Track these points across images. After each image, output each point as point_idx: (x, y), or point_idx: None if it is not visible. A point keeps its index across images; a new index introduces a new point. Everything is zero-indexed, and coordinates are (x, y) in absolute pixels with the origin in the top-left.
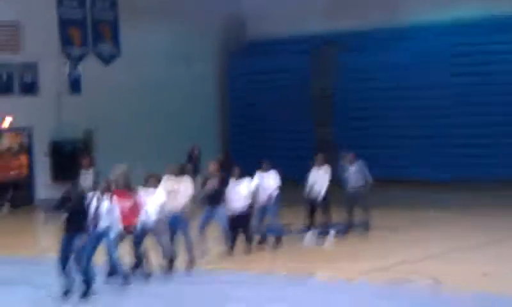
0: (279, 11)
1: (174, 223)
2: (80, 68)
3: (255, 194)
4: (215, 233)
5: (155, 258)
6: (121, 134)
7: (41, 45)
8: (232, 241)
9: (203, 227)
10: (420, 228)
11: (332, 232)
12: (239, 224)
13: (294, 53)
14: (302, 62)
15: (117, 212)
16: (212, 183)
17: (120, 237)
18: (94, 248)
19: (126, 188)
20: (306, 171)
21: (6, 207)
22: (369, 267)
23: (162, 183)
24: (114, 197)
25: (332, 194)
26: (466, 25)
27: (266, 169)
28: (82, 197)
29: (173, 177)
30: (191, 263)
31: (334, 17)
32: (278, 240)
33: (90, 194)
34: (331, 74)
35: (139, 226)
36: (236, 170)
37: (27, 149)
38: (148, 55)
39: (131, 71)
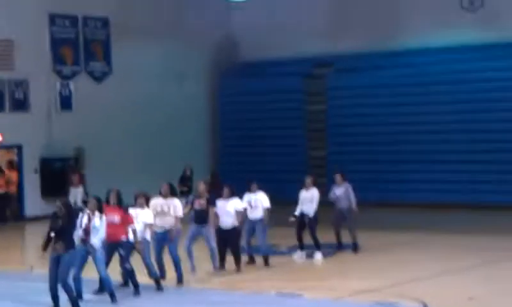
0: (272, 32)
1: (162, 242)
2: (72, 85)
3: (243, 215)
4: (203, 252)
5: (143, 276)
6: (112, 152)
7: (33, 62)
8: (221, 259)
9: (189, 244)
10: (411, 250)
11: (319, 254)
12: (228, 242)
13: (286, 75)
14: (295, 84)
15: (104, 230)
16: (200, 203)
17: (109, 251)
18: (81, 265)
19: (117, 206)
20: (297, 192)
21: None
22: (358, 287)
23: (151, 203)
24: (104, 212)
25: (321, 214)
26: (464, 50)
27: (254, 191)
28: (71, 216)
29: (161, 198)
30: (179, 281)
31: (328, 39)
32: (266, 259)
33: (80, 213)
34: (324, 96)
35: (126, 243)
36: (226, 189)
37: (17, 166)
38: (139, 74)
39: (123, 89)
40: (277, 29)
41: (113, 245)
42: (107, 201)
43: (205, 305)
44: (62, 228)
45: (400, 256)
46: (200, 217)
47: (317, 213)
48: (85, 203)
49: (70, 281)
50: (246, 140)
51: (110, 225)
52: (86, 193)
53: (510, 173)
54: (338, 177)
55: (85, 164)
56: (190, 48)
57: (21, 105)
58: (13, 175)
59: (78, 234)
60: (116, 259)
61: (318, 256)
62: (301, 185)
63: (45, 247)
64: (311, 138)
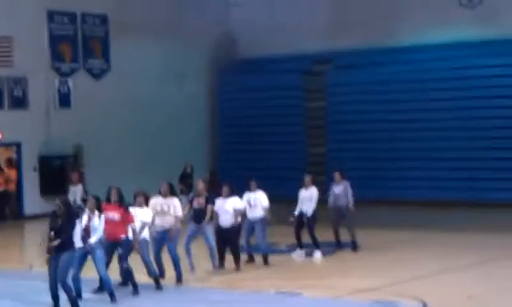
0: (271, 29)
1: (162, 241)
2: (71, 83)
3: (242, 214)
4: (202, 251)
5: (142, 275)
6: (111, 150)
7: (31, 59)
8: (220, 258)
9: (188, 243)
10: (409, 248)
11: (318, 253)
12: (227, 241)
13: (285, 72)
14: (294, 81)
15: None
16: (198, 202)
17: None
18: (81, 265)
19: (118, 204)
20: (296, 190)
21: None
22: (358, 286)
23: (150, 203)
24: (104, 211)
25: (320, 212)
26: (463, 46)
27: (254, 189)
28: (70, 214)
29: (161, 198)
30: (178, 280)
31: (327, 36)
32: (266, 258)
33: (80, 211)
34: (323, 93)
35: (125, 241)
36: (225, 188)
37: (16, 164)
38: (138, 71)
39: (121, 87)
40: (276, 26)
41: (113, 244)
42: (108, 199)
43: (204, 304)
44: (61, 227)
45: (399, 255)
46: (199, 216)
47: (315, 212)
48: (84, 201)
49: (69, 280)
50: (245, 137)
51: (110, 223)
52: (85, 191)
53: (509, 170)
54: (337, 175)
55: (84, 161)
56: (189, 46)
57: (20, 102)
58: (12, 173)
59: (78, 234)
60: (116, 258)
61: (317, 254)
62: (300, 184)
63: (49, 250)
64: (310, 135)
